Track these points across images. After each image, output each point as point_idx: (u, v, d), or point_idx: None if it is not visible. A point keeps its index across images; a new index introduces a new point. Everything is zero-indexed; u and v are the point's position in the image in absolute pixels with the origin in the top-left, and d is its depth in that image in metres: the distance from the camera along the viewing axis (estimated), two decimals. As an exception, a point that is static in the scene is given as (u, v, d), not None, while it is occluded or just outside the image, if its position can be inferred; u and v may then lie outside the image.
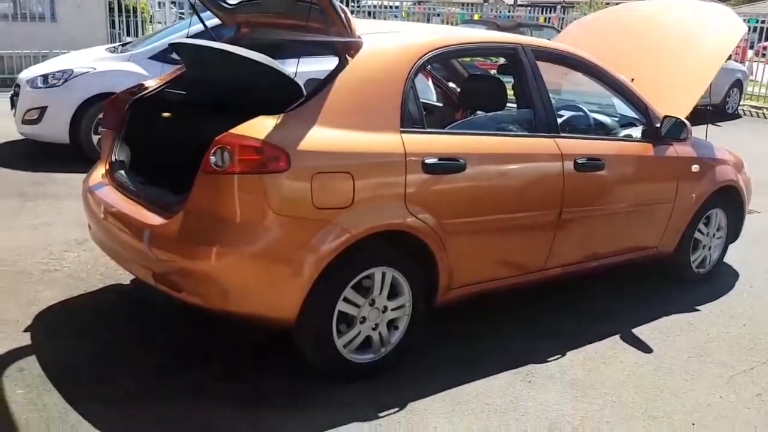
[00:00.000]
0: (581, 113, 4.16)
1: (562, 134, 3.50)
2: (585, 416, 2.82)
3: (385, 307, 2.95)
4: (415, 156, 2.88)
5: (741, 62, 15.35)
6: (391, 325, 3.01)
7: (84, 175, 3.53)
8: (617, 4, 6.34)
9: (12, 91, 7.11)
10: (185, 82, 3.59)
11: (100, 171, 3.43)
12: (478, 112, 3.81)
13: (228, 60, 3.05)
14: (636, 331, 3.63)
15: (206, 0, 3.39)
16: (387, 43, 3.10)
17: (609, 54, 4.17)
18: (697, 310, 3.98)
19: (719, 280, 4.47)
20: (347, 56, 2.90)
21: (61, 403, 2.64)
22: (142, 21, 14.87)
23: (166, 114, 3.58)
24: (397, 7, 18.30)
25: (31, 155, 6.78)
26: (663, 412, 2.89)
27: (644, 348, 3.46)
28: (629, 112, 4.08)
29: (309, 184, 2.63)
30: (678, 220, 4.11)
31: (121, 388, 2.80)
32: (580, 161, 3.47)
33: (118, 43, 8.72)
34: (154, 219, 2.86)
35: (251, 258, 2.64)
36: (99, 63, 6.80)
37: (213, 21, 3.71)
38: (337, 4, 2.79)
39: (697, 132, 4.19)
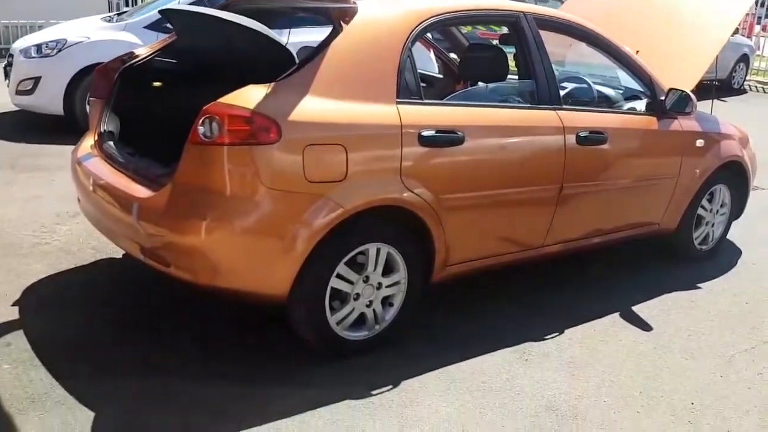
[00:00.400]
0: (584, 85, 4.07)
1: (565, 106, 3.40)
2: (582, 395, 2.77)
3: (380, 284, 2.88)
4: (412, 128, 2.79)
5: (748, 37, 15.16)
6: (386, 302, 2.95)
7: (76, 147, 3.45)
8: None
9: (5, 62, 7.00)
10: (176, 50, 3.49)
11: (89, 142, 3.35)
12: (479, 83, 3.71)
13: (218, 26, 2.96)
14: (635, 308, 3.57)
15: None
16: (384, 9, 3.00)
17: (614, 25, 4.07)
18: (699, 288, 3.92)
19: (722, 258, 4.41)
20: (342, 23, 2.80)
21: (47, 378, 2.59)
22: (140, -9, 14.65)
23: (156, 83, 3.49)
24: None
25: (25, 126, 6.69)
26: (662, 392, 2.84)
27: (643, 326, 3.40)
28: (634, 85, 3.99)
29: (301, 157, 2.54)
30: (681, 196, 4.03)
31: (109, 364, 2.75)
32: (582, 134, 3.38)
33: (113, 13, 8.58)
34: (142, 191, 2.77)
35: (241, 232, 2.56)
36: (94, 32, 6.69)
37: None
38: None
39: (703, 107, 4.09)
